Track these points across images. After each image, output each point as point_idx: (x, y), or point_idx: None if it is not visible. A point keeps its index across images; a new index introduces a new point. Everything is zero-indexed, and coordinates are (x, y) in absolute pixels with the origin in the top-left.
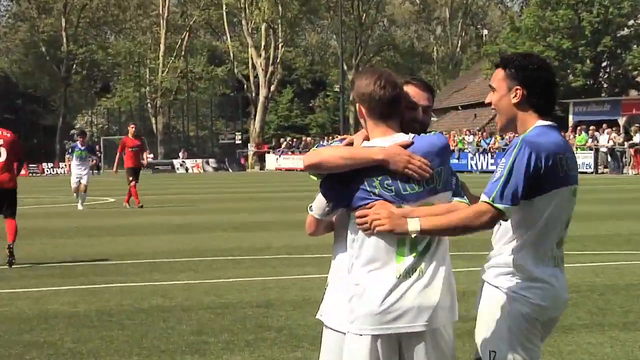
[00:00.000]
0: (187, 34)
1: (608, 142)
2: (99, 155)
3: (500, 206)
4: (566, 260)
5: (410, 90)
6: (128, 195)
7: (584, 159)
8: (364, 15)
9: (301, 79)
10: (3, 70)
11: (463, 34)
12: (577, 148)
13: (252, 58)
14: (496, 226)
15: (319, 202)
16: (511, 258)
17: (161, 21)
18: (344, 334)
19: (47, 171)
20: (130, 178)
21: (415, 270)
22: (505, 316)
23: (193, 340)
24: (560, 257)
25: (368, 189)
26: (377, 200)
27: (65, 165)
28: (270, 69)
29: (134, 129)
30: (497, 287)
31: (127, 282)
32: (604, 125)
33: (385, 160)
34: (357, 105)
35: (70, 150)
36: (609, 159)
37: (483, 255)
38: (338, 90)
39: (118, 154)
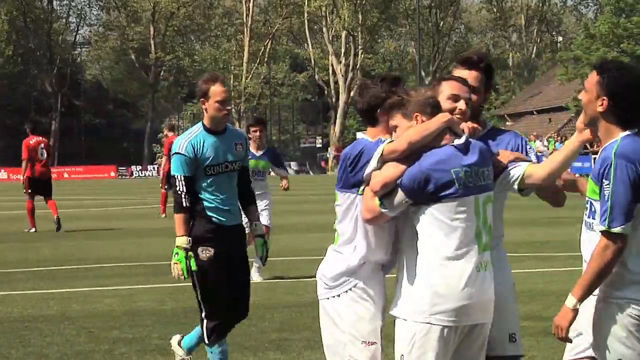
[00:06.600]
0: (270, 41)
1: None
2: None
3: (617, 230)
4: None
5: (452, 84)
6: None
7: None
8: (442, 22)
9: None
10: (95, 76)
11: (538, 40)
12: None
13: (332, 65)
14: (585, 236)
15: (398, 198)
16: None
17: (245, 29)
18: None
19: (136, 174)
20: None
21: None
22: (610, 321)
23: (275, 337)
24: None
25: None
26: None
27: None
28: (350, 75)
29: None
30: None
31: None
32: None
33: (449, 120)
34: (412, 118)
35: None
36: None
37: (557, 257)
38: None
39: None
